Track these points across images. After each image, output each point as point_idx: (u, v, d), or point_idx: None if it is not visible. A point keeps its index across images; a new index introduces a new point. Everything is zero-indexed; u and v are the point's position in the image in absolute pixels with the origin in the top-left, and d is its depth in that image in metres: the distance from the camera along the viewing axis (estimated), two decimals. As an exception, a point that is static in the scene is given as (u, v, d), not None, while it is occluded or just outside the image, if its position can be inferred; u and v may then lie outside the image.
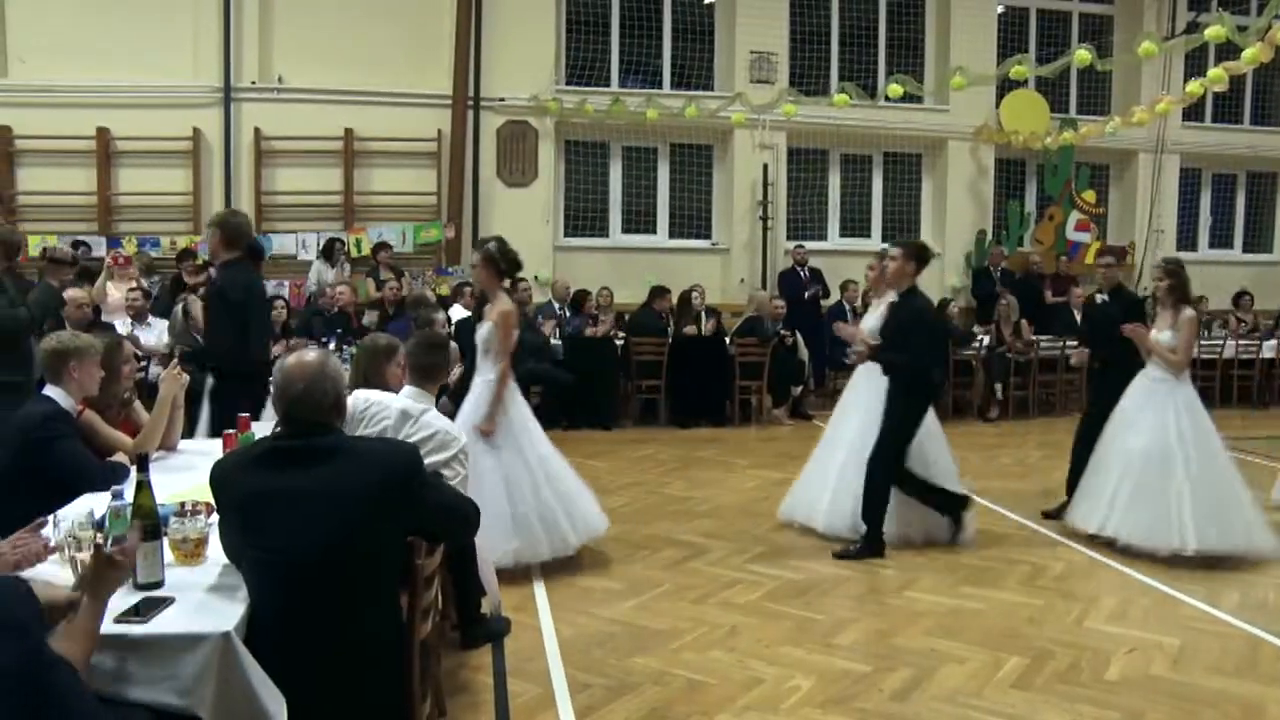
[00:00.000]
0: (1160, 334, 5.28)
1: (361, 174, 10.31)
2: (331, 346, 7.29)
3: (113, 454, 3.65)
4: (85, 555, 2.37)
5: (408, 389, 3.71)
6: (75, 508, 2.84)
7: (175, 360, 4.25)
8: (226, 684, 2.13)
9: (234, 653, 2.14)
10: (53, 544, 2.54)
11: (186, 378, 4.10)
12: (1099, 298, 6.05)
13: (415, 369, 3.74)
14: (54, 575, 2.38)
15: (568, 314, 9.62)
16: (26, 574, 2.31)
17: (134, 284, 7.86)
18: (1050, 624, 4.21)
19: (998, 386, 9.82)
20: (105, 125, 9.76)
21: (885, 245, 6.22)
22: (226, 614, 2.26)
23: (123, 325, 7.19)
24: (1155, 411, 5.16)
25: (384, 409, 3.53)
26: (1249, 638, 4.07)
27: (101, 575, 2.02)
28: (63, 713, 1.67)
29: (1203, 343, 10.77)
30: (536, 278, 10.37)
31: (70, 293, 6.07)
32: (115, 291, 7.59)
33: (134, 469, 2.50)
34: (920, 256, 5.16)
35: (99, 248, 9.23)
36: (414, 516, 2.50)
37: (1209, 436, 5.14)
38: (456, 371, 6.39)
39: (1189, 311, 5.24)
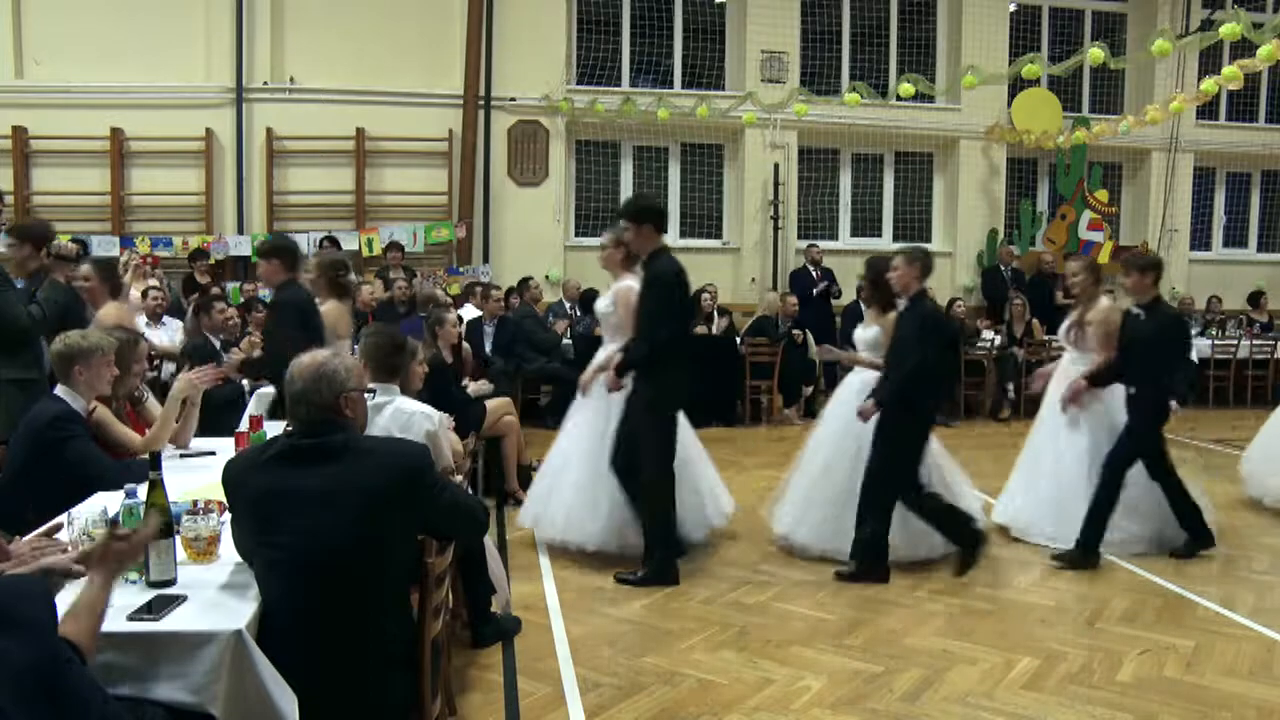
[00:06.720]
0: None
1: (373, 174, 10.34)
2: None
3: (123, 451, 3.66)
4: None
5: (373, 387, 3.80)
6: (89, 506, 2.86)
7: (201, 365, 4.26)
8: (238, 681, 2.14)
9: (246, 650, 2.15)
10: (66, 544, 2.55)
11: (204, 385, 4.12)
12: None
13: (376, 368, 3.78)
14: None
15: (578, 313, 9.63)
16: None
17: (155, 284, 7.89)
18: (1062, 625, 4.20)
19: (1009, 386, 9.79)
20: (119, 125, 9.81)
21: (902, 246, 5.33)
22: (238, 612, 2.27)
23: (138, 324, 7.22)
24: None
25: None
26: (1264, 640, 4.05)
27: (109, 551, 2.03)
28: (82, 711, 1.68)
29: (1217, 342, 10.74)
30: (547, 277, 10.40)
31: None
32: (133, 291, 7.62)
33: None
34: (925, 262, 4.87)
35: (112, 247, 9.28)
36: (423, 515, 2.50)
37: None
38: (479, 381, 6.49)
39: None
